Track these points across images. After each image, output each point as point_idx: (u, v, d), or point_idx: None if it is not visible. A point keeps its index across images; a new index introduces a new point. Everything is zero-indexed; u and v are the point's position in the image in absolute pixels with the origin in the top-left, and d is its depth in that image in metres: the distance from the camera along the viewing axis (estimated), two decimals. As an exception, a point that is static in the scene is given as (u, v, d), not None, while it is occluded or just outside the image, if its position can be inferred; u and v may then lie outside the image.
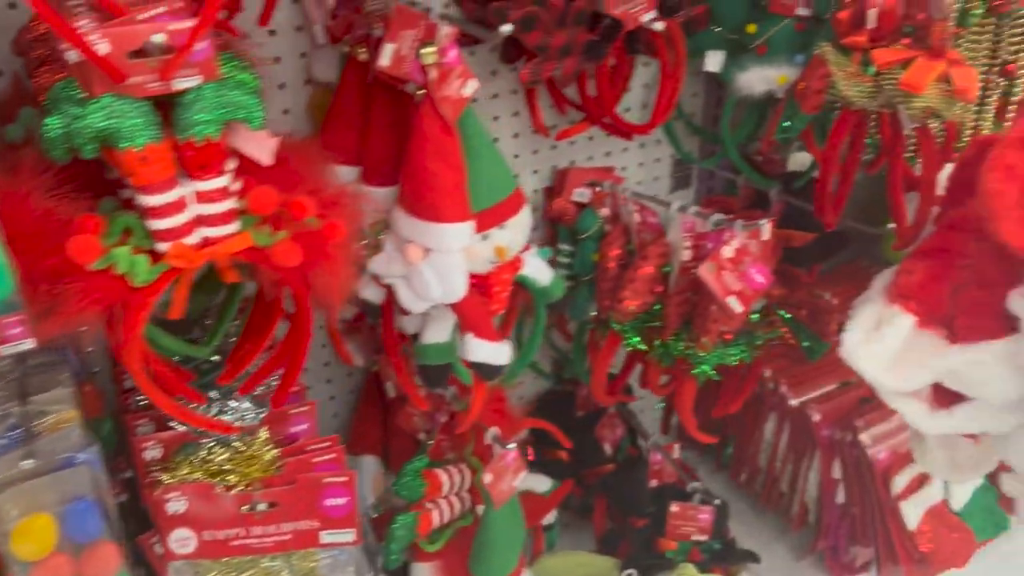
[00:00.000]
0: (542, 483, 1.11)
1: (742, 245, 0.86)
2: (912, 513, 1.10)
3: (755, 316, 0.93)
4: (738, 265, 0.85)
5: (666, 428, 1.42)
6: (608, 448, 1.18)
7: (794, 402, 1.18)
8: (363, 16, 0.75)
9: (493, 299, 0.78)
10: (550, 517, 1.13)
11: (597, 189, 1.04)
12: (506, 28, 0.67)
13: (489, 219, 0.75)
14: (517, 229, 0.78)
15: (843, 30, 0.85)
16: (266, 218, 0.58)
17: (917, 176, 0.91)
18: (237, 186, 0.57)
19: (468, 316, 0.74)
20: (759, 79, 1.00)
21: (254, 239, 0.57)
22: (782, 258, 1.11)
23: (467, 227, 0.72)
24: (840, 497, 1.16)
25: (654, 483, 1.14)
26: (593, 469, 1.18)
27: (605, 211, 1.03)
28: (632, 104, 1.12)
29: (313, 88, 0.89)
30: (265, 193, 0.56)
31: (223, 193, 0.56)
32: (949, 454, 0.90)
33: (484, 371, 0.76)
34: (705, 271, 0.84)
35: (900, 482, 1.10)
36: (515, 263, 0.80)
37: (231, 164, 0.56)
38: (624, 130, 1.00)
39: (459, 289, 0.72)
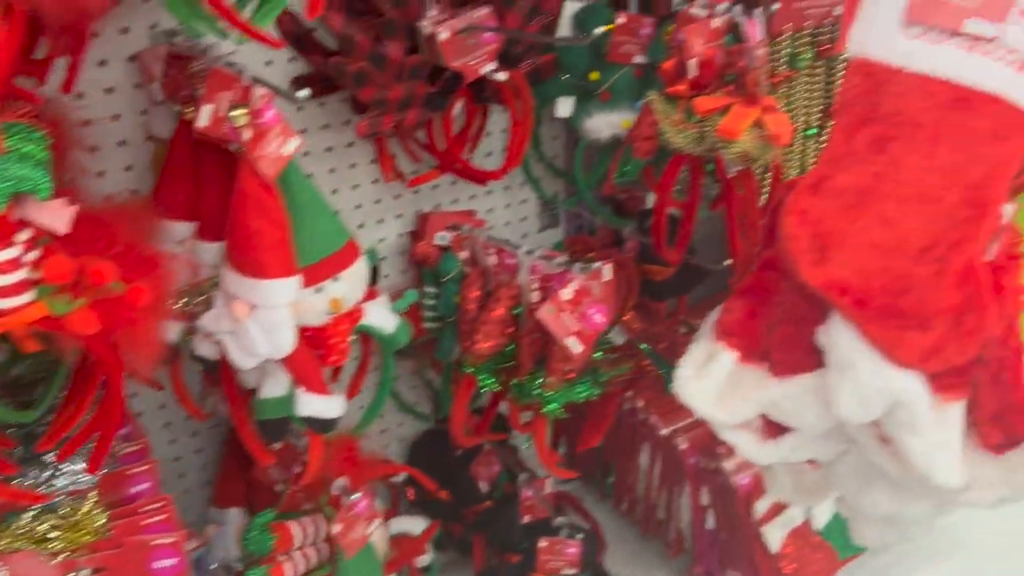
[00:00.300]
0: (417, 525, 1.12)
1: (582, 287, 0.89)
2: (774, 536, 1.13)
3: (599, 354, 0.95)
4: (577, 306, 0.88)
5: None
6: (484, 486, 1.19)
7: (664, 432, 1.22)
8: (188, 76, 0.76)
9: (331, 351, 0.79)
10: (427, 558, 1.14)
11: (457, 233, 1.06)
12: (303, 93, 0.68)
13: (321, 272, 0.76)
14: (352, 280, 0.79)
15: (668, 80, 0.90)
16: (64, 286, 0.58)
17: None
18: (33, 256, 0.57)
19: (298, 370, 0.75)
20: (604, 124, 1.04)
21: (49, 308, 0.57)
22: (641, 292, 1.15)
23: (292, 282, 0.73)
24: (710, 523, 1.20)
25: (527, 519, 1.15)
26: (471, 507, 1.19)
27: (464, 254, 1.05)
28: (494, 148, 1.15)
29: (154, 145, 0.89)
30: (59, 262, 0.57)
31: (14, 264, 0.56)
32: (795, 479, 0.93)
33: (316, 425, 0.77)
34: (544, 313, 0.87)
35: (761, 507, 1.13)
36: (354, 314, 0.81)
37: (23, 235, 0.57)
38: (475, 176, 1.02)
39: (286, 345, 0.73)
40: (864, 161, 0.69)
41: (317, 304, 0.77)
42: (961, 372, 0.69)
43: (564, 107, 1.07)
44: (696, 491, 1.20)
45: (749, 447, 0.84)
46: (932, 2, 0.64)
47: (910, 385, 0.68)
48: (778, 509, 1.15)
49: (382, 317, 0.84)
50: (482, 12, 0.92)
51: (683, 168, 0.94)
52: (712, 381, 0.81)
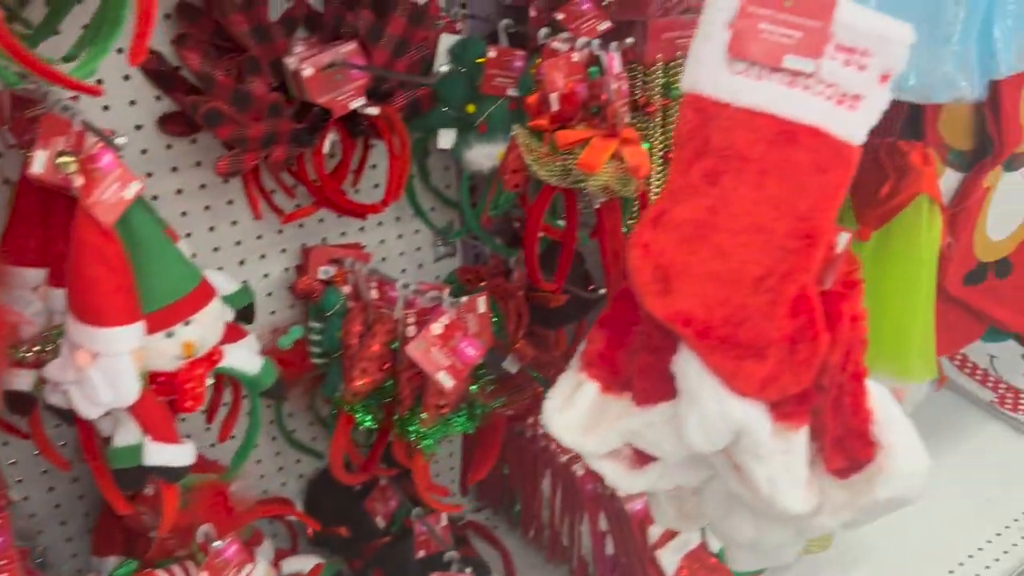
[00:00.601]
0: (308, 563, 1.10)
1: (453, 321, 0.89)
2: (669, 560, 1.14)
3: (475, 387, 0.95)
4: (448, 340, 0.88)
5: (464, 489, 1.44)
6: (381, 521, 1.18)
7: (562, 459, 1.22)
8: (26, 121, 0.74)
9: (185, 396, 0.77)
10: (322, 596, 1.12)
11: (339, 267, 1.05)
12: (120, 141, 0.67)
13: (170, 316, 0.75)
14: (206, 323, 0.78)
15: (531, 113, 0.90)
16: None
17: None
18: None
19: (144, 419, 0.73)
20: (483, 156, 1.04)
21: None
22: (533, 320, 1.15)
23: (134, 330, 0.71)
24: (609, 549, 1.20)
25: (422, 554, 1.14)
26: (369, 543, 1.18)
27: (347, 288, 1.04)
28: (383, 181, 1.14)
29: (10, 189, 0.87)
30: None
31: None
32: (677, 506, 0.94)
33: (165, 474, 0.75)
34: (413, 349, 0.87)
35: (655, 531, 1.14)
36: (211, 356, 0.80)
37: None
38: (354, 210, 1.02)
39: (130, 393, 0.71)
40: (699, 194, 0.70)
41: (168, 349, 0.76)
42: (801, 399, 0.70)
43: (445, 139, 1.07)
44: (594, 517, 1.20)
45: (617, 476, 0.84)
46: (752, 39, 0.65)
47: (750, 414, 0.69)
48: (672, 533, 1.15)
49: (244, 359, 0.83)
50: (348, 48, 0.92)
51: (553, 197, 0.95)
52: (577, 412, 0.82)
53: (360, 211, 1.02)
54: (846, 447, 0.71)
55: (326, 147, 0.95)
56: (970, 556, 1.42)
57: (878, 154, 1.20)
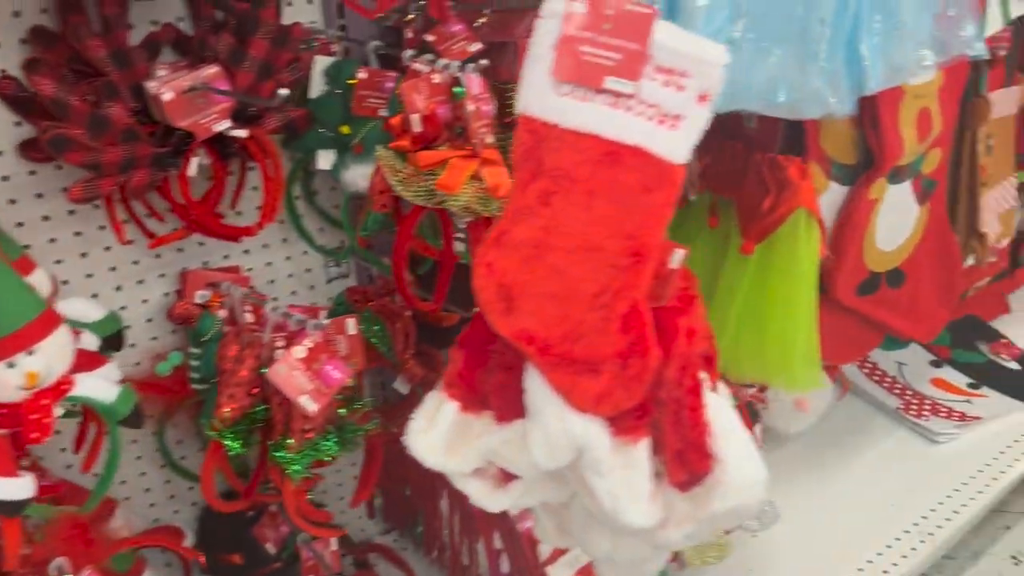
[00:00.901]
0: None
1: (318, 343, 0.88)
2: (560, 576, 1.14)
3: (343, 411, 0.95)
4: (312, 363, 0.88)
5: (372, 512, 1.43)
6: (272, 547, 1.17)
7: (457, 478, 1.22)
8: None
9: (31, 428, 0.76)
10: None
11: (215, 291, 1.04)
12: None
13: (10, 346, 0.74)
14: (52, 352, 0.77)
15: (395, 134, 0.91)
16: None
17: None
18: None
19: (-22, 451, 0.72)
20: (360, 176, 1.04)
21: None
22: (422, 339, 1.15)
23: (-34, 360, 0.70)
24: (505, 567, 1.20)
25: (311, 578, 1.13)
26: (259, 570, 1.17)
27: (224, 313, 1.03)
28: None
29: None
30: None
31: None
32: (555, 521, 0.94)
33: (2, 508, 0.74)
34: (274, 373, 0.86)
35: (546, 549, 1.14)
36: (60, 386, 0.79)
37: None
38: (226, 234, 1.01)
39: (-39, 425, 0.70)
40: (535, 214, 0.70)
41: (10, 379, 0.75)
42: (638, 414, 0.71)
43: (324, 160, 1.07)
44: (488, 536, 1.20)
45: (482, 495, 0.84)
46: (574, 61, 0.66)
47: (590, 429, 0.70)
48: (563, 550, 1.15)
49: (96, 387, 0.82)
50: (210, 71, 0.91)
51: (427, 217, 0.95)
52: (438, 433, 0.82)
53: (233, 234, 1.01)
54: (686, 460, 0.72)
55: (192, 170, 0.94)
56: (869, 561, 1.44)
57: (760, 169, 1.23)
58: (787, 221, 1.19)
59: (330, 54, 1.05)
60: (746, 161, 1.27)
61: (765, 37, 1.10)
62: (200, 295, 1.05)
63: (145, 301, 1.07)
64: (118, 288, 1.05)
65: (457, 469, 0.82)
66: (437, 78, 0.89)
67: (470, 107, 0.86)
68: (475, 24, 1.04)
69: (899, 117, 1.32)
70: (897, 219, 1.46)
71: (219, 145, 0.97)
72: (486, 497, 0.85)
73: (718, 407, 0.73)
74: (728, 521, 0.72)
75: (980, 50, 1.15)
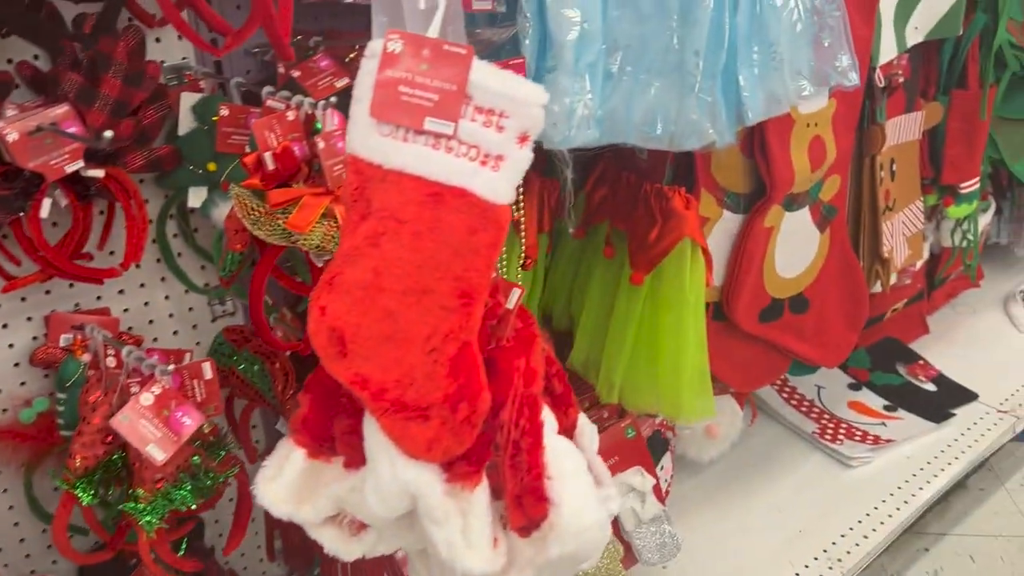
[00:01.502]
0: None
1: (167, 389, 0.86)
2: (448, 618, 1.12)
3: (196, 459, 0.92)
4: (160, 411, 0.85)
5: (272, 555, 1.39)
6: (150, 597, 1.13)
7: (347, 519, 1.19)
8: None
9: None
10: None
11: (79, 334, 1.01)
12: None
13: None
14: None
15: (249, 172, 0.89)
16: None
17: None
18: None
19: None
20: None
21: None
22: (304, 378, 1.13)
23: None
24: (396, 609, 1.17)
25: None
26: (138, 621, 1.12)
27: (87, 357, 1.00)
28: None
29: None
30: None
31: None
32: (426, 563, 0.92)
33: None
34: (117, 422, 0.83)
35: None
36: None
37: None
38: (87, 276, 0.98)
39: None
40: (365, 256, 0.69)
41: None
42: (473, 459, 0.69)
43: (195, 197, 1.05)
44: (378, 577, 1.17)
45: (336, 544, 0.82)
46: (392, 102, 0.65)
47: (422, 477, 0.68)
48: (451, 590, 1.13)
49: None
50: (59, 111, 0.89)
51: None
52: (286, 481, 0.79)
53: (93, 276, 0.98)
54: (524, 505, 0.70)
55: (44, 212, 0.91)
56: (778, 588, 1.44)
57: (648, 200, 1.23)
58: (673, 251, 1.19)
59: (199, 90, 1.03)
60: (637, 192, 1.27)
61: (643, 70, 1.10)
62: (64, 338, 1.02)
63: (11, 346, 1.03)
64: (-35, 336, 1.02)
65: (308, 518, 0.80)
66: (291, 115, 0.87)
67: (321, 144, 0.84)
68: (346, 59, 1.03)
69: (790, 145, 1.33)
70: (797, 246, 1.47)
71: (79, 186, 0.94)
72: (340, 546, 0.82)
73: (560, 450, 0.72)
74: (568, 566, 0.71)
75: (854, 80, 1.16)
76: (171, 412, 0.85)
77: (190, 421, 0.85)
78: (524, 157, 0.66)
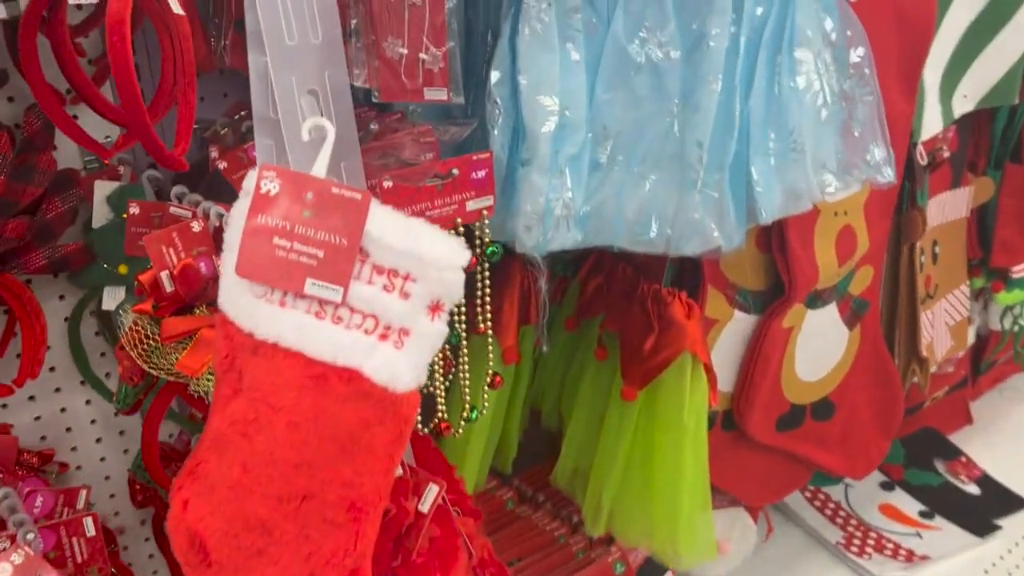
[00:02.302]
0: None
1: (30, 558, 0.71)
2: None
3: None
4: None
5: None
6: None
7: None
8: None
9: None
10: None
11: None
12: None
13: None
14: None
15: (146, 294, 0.74)
16: None
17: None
18: None
19: None
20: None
21: None
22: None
23: None
24: None
25: None
26: None
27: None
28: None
29: None
30: None
31: None
32: None
33: None
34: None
35: None
36: None
37: None
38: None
39: None
40: (233, 446, 0.53)
41: None
42: None
43: (109, 299, 0.91)
44: None
45: None
46: (264, 257, 0.50)
47: None
48: None
49: None
50: (-71, 212, 0.75)
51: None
52: None
53: (-14, 394, 0.84)
54: None
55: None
56: None
57: (645, 302, 1.07)
58: (672, 366, 1.02)
59: (116, 178, 0.89)
60: (632, 290, 1.10)
61: (637, 160, 0.94)
62: (-49, 461, 0.88)
63: None
64: None
65: None
66: (197, 226, 0.72)
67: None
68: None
69: (814, 240, 1.16)
70: (821, 346, 1.29)
71: (-35, 290, 0.81)
72: None
73: None
74: None
75: (889, 176, 0.99)
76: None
77: None
78: (436, 332, 0.50)
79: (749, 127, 0.94)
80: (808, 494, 1.73)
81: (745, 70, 0.92)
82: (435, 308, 0.49)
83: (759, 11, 0.92)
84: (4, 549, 0.74)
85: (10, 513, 0.75)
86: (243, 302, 0.51)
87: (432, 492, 0.55)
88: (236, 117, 0.95)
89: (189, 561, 0.56)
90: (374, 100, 0.80)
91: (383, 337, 0.50)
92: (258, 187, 0.49)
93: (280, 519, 0.52)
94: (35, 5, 0.67)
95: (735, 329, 1.18)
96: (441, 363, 0.93)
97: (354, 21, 0.76)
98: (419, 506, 0.55)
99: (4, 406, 0.96)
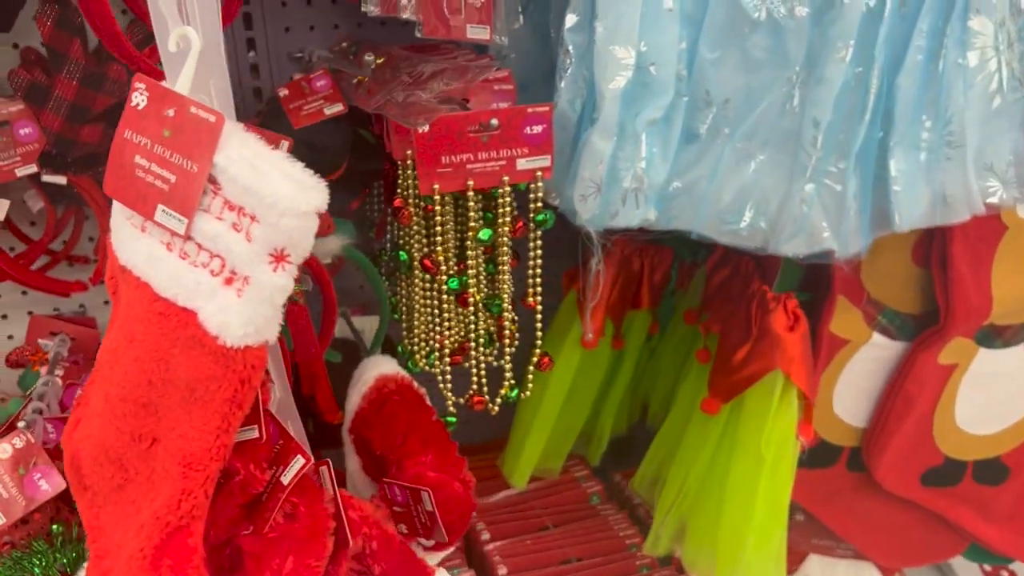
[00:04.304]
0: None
1: (29, 443, 0.74)
2: None
3: (57, 527, 0.79)
4: (16, 468, 0.73)
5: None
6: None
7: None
8: None
9: None
10: None
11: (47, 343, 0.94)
12: None
13: None
14: None
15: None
16: None
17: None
18: None
19: None
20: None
21: None
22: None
23: None
24: None
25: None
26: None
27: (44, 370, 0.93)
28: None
29: None
30: None
31: None
32: None
33: None
34: (-34, 471, 0.73)
35: None
36: None
37: None
38: (48, 288, 0.90)
39: None
40: (101, 375, 0.51)
41: None
42: None
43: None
44: None
45: None
46: (126, 176, 0.46)
47: None
48: None
49: None
50: (13, 108, 0.80)
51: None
52: None
53: (57, 290, 0.90)
54: None
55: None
56: None
57: (750, 305, 0.91)
58: (760, 382, 0.87)
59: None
60: (745, 287, 0.95)
61: (744, 135, 0.79)
62: (43, 344, 0.96)
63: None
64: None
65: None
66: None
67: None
68: (354, 81, 0.84)
69: (992, 262, 0.93)
70: (999, 395, 1.04)
71: (49, 189, 0.86)
72: None
73: None
74: None
75: (1084, 192, 0.75)
76: (28, 471, 0.73)
77: (47, 487, 0.73)
78: (276, 285, 0.43)
79: (894, 110, 0.76)
80: (989, 568, 1.44)
81: (893, 38, 0.74)
82: (278, 257, 0.43)
83: (924, -34, 0.73)
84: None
85: (37, 399, 0.80)
86: (116, 222, 0.48)
87: (297, 464, 0.49)
88: (337, 48, 0.93)
89: (71, 481, 0.55)
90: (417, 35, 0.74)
91: (228, 282, 0.44)
92: (130, 99, 0.45)
93: (133, 457, 0.49)
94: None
95: (873, 355, 0.98)
96: (486, 332, 0.86)
97: (403, -52, 0.70)
98: (280, 477, 0.49)
99: (81, 306, 1.03)
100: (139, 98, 0.45)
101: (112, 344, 0.49)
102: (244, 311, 0.43)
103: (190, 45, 0.43)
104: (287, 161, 0.43)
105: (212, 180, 0.43)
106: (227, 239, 0.43)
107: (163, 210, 0.44)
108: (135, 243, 0.46)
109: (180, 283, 0.45)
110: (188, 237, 0.44)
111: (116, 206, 0.48)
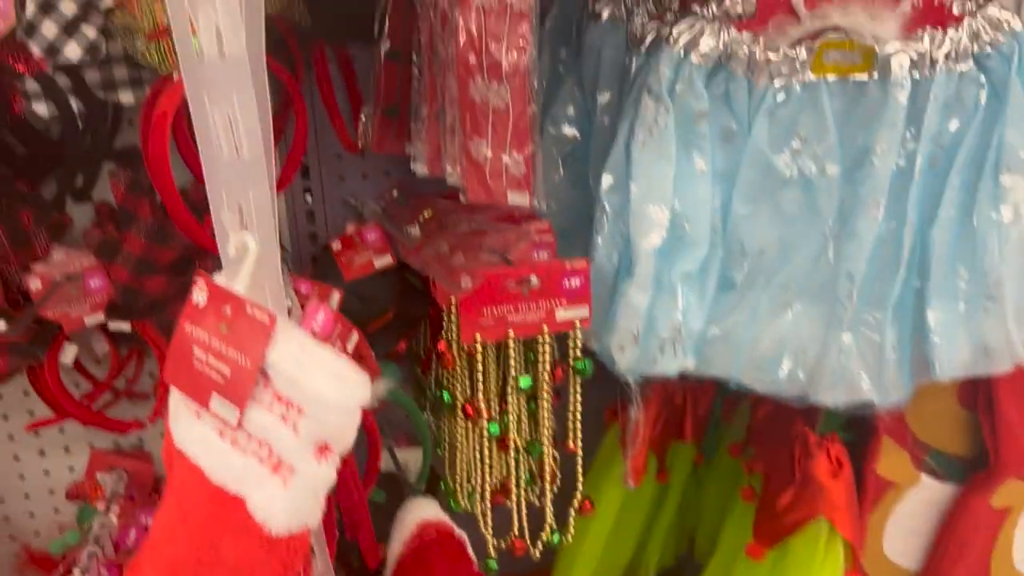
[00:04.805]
0: None
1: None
2: None
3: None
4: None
5: None
6: None
7: None
8: None
9: None
10: None
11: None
12: None
13: None
14: None
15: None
16: None
17: None
18: None
19: None
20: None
21: None
22: None
23: None
24: None
25: None
26: None
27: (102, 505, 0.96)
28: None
29: None
30: None
31: None
32: None
33: None
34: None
35: None
36: None
37: None
38: (106, 426, 0.94)
39: None
40: (152, 549, 0.53)
41: None
42: None
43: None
44: None
45: None
46: (184, 366, 0.49)
47: None
48: None
49: None
50: (86, 262, 0.86)
51: None
52: None
53: (114, 427, 0.94)
54: None
55: (67, 358, 0.89)
56: None
57: (793, 445, 0.91)
58: (805, 529, 0.85)
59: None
60: (788, 428, 0.94)
61: (780, 284, 0.81)
62: (101, 478, 0.99)
63: (47, 472, 1.03)
64: (15, 457, 1.03)
65: None
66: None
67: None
68: (408, 230, 0.88)
69: (1043, 406, 0.91)
70: (1060, 539, 1.01)
71: (113, 335, 0.91)
72: None
73: None
74: None
75: None
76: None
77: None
78: (320, 476, 0.46)
79: (930, 262, 0.77)
80: None
81: (925, 195, 0.76)
82: (323, 449, 0.45)
83: (953, 126, 0.75)
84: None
85: (93, 543, 0.83)
86: (174, 405, 0.51)
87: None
88: (388, 197, 0.97)
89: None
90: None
91: (276, 468, 0.46)
92: (191, 296, 0.49)
93: (181, 633, 0.51)
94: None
95: (923, 497, 0.96)
96: (528, 473, 0.87)
97: (449, 117, 0.75)
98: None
99: (140, 439, 1.07)
100: (199, 296, 0.48)
101: (166, 519, 0.51)
102: (289, 501, 0.46)
103: (247, 250, 0.46)
104: (332, 357, 0.46)
105: (263, 373, 0.46)
106: (277, 431, 0.46)
107: (218, 400, 0.47)
108: (190, 427, 0.49)
109: (230, 470, 0.47)
110: (240, 427, 0.47)
111: (174, 391, 0.51)
